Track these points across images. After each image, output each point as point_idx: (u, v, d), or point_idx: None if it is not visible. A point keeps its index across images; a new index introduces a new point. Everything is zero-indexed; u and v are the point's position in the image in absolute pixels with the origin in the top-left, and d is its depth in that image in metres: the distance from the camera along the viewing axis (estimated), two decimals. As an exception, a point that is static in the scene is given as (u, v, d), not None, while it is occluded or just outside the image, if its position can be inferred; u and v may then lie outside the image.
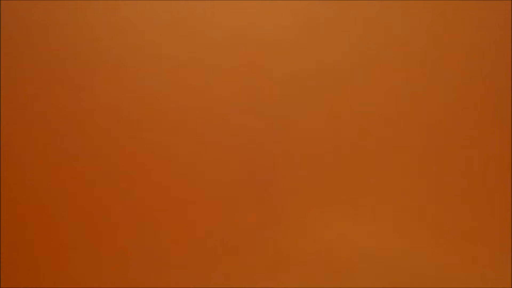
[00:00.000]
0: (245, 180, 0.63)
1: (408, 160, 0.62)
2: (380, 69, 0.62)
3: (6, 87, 0.66)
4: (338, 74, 0.62)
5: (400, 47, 0.62)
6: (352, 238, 0.62)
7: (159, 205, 0.65)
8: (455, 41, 0.61)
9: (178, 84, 0.64)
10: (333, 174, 0.62)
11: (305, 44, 0.63)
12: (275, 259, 0.63)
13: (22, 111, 0.66)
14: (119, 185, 0.65)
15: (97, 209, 0.65)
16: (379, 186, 0.62)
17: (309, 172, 0.63)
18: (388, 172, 0.62)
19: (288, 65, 0.63)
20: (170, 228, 0.64)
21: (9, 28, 0.66)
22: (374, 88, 0.62)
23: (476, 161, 0.61)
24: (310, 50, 0.63)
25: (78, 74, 0.65)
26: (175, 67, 0.64)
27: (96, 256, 0.65)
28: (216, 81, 0.64)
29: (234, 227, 0.64)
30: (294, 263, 0.63)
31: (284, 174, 0.63)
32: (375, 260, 0.62)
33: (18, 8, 0.66)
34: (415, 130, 0.62)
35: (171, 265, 0.64)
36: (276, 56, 0.63)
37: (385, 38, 0.62)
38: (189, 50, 0.64)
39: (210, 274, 0.64)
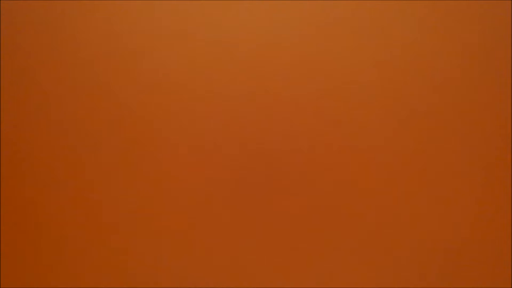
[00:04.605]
0: (243, 180, 0.63)
1: (411, 162, 0.62)
2: (382, 70, 0.62)
3: (6, 87, 0.66)
4: (338, 75, 0.62)
5: (401, 47, 0.62)
6: (352, 239, 0.62)
7: (157, 206, 0.65)
8: (456, 41, 0.61)
9: (176, 85, 0.64)
10: (332, 175, 0.62)
11: (307, 44, 0.63)
12: (273, 259, 0.63)
13: (22, 111, 0.66)
14: (117, 186, 0.65)
15: (96, 210, 0.65)
16: (379, 188, 0.62)
17: (309, 173, 0.63)
18: (389, 173, 0.62)
19: (289, 66, 0.63)
20: (169, 229, 0.64)
21: (9, 28, 0.66)
22: (375, 89, 0.62)
23: (476, 161, 0.61)
24: (311, 50, 0.63)
25: (77, 74, 0.65)
26: (172, 67, 0.64)
27: (96, 256, 0.65)
28: (216, 82, 0.64)
29: (232, 228, 0.64)
30: (292, 264, 0.63)
31: (283, 175, 0.63)
32: (376, 261, 0.62)
33: (18, 8, 0.66)
34: (418, 131, 0.62)
35: (169, 266, 0.64)
36: (276, 56, 0.63)
37: (386, 39, 0.62)
38: (188, 50, 0.64)
39: (208, 275, 0.64)
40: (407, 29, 0.62)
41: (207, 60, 0.64)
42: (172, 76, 0.64)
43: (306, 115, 0.63)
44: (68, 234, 0.65)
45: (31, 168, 0.66)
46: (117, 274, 0.65)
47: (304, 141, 0.63)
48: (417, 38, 0.62)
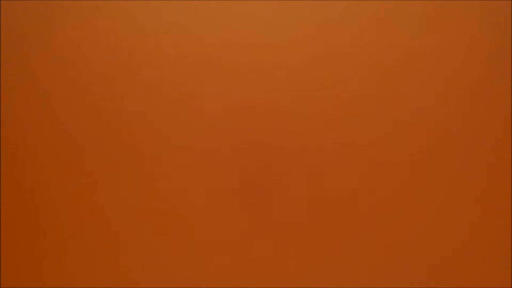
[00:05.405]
0: (244, 180, 0.63)
1: (412, 161, 0.62)
2: (382, 70, 0.62)
3: (6, 87, 0.66)
4: (339, 75, 0.62)
5: (402, 48, 0.62)
6: (352, 239, 0.62)
7: (158, 206, 0.65)
8: (456, 42, 0.61)
9: (177, 85, 0.64)
10: (333, 175, 0.62)
11: (307, 44, 0.63)
12: (274, 259, 0.63)
13: (22, 111, 0.66)
14: (118, 186, 0.65)
15: (97, 210, 0.65)
16: (379, 188, 0.62)
17: (310, 172, 0.63)
18: (389, 173, 0.62)
19: (290, 66, 0.63)
20: (169, 229, 0.64)
21: (9, 28, 0.66)
22: (376, 89, 0.62)
23: (477, 160, 0.61)
24: (312, 50, 0.63)
25: (77, 75, 0.65)
26: (174, 68, 0.64)
27: (96, 256, 0.65)
28: (217, 82, 0.64)
29: (233, 228, 0.64)
30: (292, 264, 0.63)
31: (285, 175, 0.63)
32: (376, 263, 0.62)
33: (18, 8, 0.66)
34: (418, 131, 0.62)
35: (169, 266, 0.64)
36: (277, 55, 0.63)
37: (386, 39, 0.62)
38: (188, 50, 0.64)
39: (208, 275, 0.64)
40: (408, 29, 0.62)
41: (208, 60, 0.64)
42: (174, 76, 0.64)
43: (306, 115, 0.63)
44: (68, 234, 0.65)
45: (31, 168, 0.66)
46: (117, 274, 0.65)
47: (305, 141, 0.63)
48: (418, 38, 0.62)
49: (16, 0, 0.66)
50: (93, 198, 0.65)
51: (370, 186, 0.62)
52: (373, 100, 0.62)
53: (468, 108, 0.61)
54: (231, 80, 0.63)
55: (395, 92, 0.62)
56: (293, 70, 0.63)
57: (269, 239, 0.63)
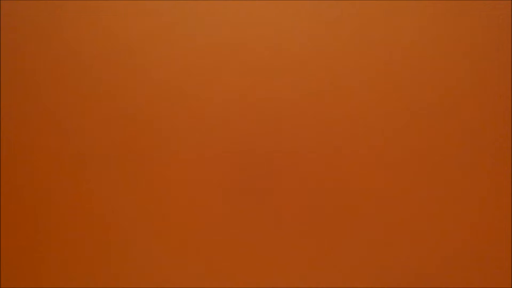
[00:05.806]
0: (242, 183, 0.63)
1: (411, 162, 0.62)
2: (382, 70, 0.62)
3: (6, 87, 0.66)
4: (337, 76, 0.62)
5: (402, 48, 0.62)
6: (350, 241, 0.62)
7: (157, 208, 0.65)
8: (456, 42, 0.61)
9: (175, 86, 0.64)
10: (333, 176, 0.62)
11: (307, 45, 0.63)
12: (272, 260, 0.63)
13: (22, 111, 0.66)
14: (117, 186, 0.65)
15: (97, 210, 0.65)
16: (377, 191, 0.62)
17: (307, 175, 0.63)
18: (388, 174, 0.62)
19: (289, 67, 0.63)
20: (168, 231, 0.64)
21: (9, 28, 0.66)
22: (376, 90, 0.62)
23: (477, 161, 0.61)
24: (311, 51, 0.63)
25: (77, 75, 0.65)
26: (172, 68, 0.64)
27: (96, 256, 0.65)
28: (214, 83, 0.64)
29: (231, 229, 0.64)
30: (290, 266, 0.63)
31: (281, 179, 0.63)
32: (377, 265, 0.62)
33: (18, 8, 0.66)
34: (417, 132, 0.62)
35: (167, 268, 0.64)
36: (276, 57, 0.63)
37: (385, 39, 0.62)
38: (186, 50, 0.64)
39: (208, 275, 0.64)
40: (408, 29, 0.62)
41: (208, 60, 0.64)
42: (174, 77, 0.64)
43: (306, 115, 0.63)
44: (69, 234, 0.65)
45: (31, 168, 0.66)
46: (117, 274, 0.65)
47: (305, 142, 0.63)
48: (418, 39, 0.62)
49: (16, 0, 0.66)
50: (93, 198, 0.65)
51: (370, 186, 0.62)
52: (373, 101, 0.62)
53: (468, 108, 0.61)
54: (230, 81, 0.63)
55: (395, 93, 0.62)
56: (293, 71, 0.63)
57: (270, 240, 0.63)
